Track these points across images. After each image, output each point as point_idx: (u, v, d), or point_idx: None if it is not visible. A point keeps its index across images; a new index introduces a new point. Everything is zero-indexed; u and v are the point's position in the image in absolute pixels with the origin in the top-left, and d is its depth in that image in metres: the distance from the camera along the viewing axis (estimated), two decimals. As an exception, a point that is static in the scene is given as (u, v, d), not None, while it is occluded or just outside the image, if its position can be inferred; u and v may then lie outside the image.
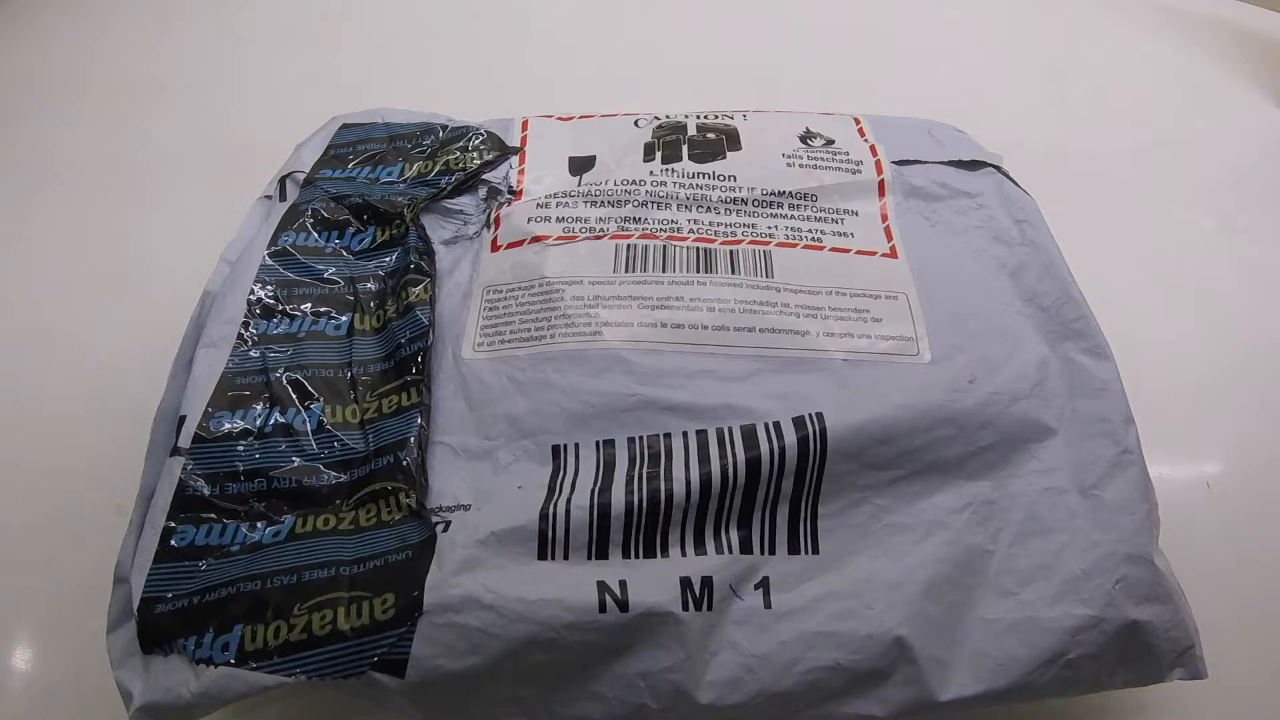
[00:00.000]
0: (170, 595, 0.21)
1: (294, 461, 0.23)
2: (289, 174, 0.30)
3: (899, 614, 0.21)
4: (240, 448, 0.23)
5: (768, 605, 0.21)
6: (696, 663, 0.20)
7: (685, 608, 0.21)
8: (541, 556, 0.21)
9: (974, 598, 0.22)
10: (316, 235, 0.29)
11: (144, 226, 0.38)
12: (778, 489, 0.22)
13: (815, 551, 0.22)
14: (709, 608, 0.21)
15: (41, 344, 0.33)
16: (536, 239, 0.28)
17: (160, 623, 0.20)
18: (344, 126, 0.33)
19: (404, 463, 0.23)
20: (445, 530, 0.21)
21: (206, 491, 0.22)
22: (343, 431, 0.24)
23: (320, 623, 0.20)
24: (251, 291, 0.27)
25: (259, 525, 0.22)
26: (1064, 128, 0.44)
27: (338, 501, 0.23)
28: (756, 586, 0.21)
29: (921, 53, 0.48)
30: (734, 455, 0.22)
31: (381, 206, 0.29)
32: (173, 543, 0.22)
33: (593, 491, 0.22)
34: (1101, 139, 0.43)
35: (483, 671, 0.20)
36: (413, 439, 0.23)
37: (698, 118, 0.33)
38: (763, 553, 0.22)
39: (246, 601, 0.20)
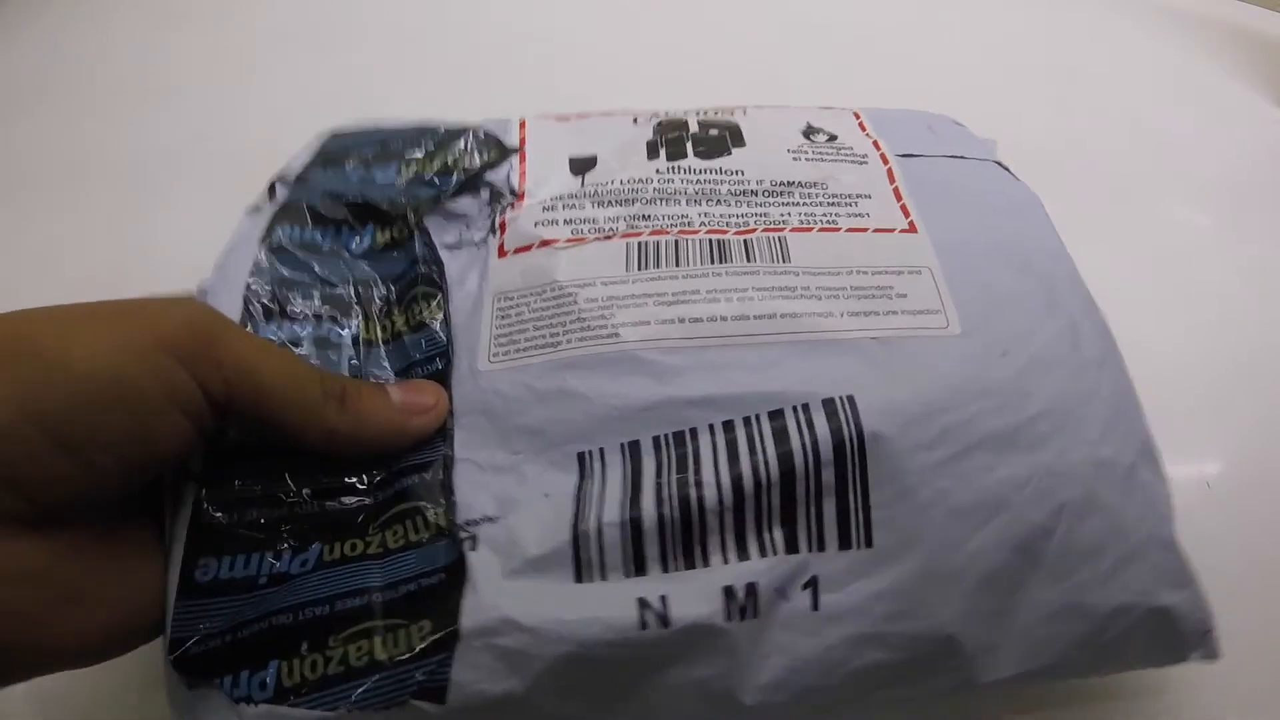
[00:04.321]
0: (202, 632, 0.20)
1: (318, 483, 0.22)
2: (278, 179, 0.30)
3: (953, 612, 0.21)
4: (251, 466, 0.22)
5: (815, 607, 0.21)
6: (743, 668, 0.20)
7: (729, 618, 0.20)
8: (579, 579, 0.21)
9: (1029, 582, 0.21)
10: (314, 232, 0.28)
11: (144, 227, 0.38)
12: (818, 481, 0.21)
13: (869, 544, 0.21)
14: (754, 614, 0.20)
15: None
16: (545, 243, 0.27)
17: (193, 662, 0.20)
18: (335, 135, 0.32)
19: (429, 481, 0.22)
20: (474, 549, 0.21)
21: (224, 520, 0.22)
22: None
23: (357, 654, 0.20)
24: (248, 287, 0.26)
25: (284, 554, 0.21)
26: (1064, 127, 0.44)
27: (363, 523, 0.22)
28: (805, 586, 0.21)
29: (921, 53, 0.48)
30: (764, 451, 0.21)
31: (383, 206, 0.28)
32: (196, 578, 0.21)
33: (622, 505, 0.21)
34: (1101, 139, 0.43)
35: (524, 693, 0.20)
36: (438, 459, 0.23)
37: (698, 115, 0.32)
38: (810, 549, 0.21)
39: (279, 636, 0.20)
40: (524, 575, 0.20)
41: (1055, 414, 0.22)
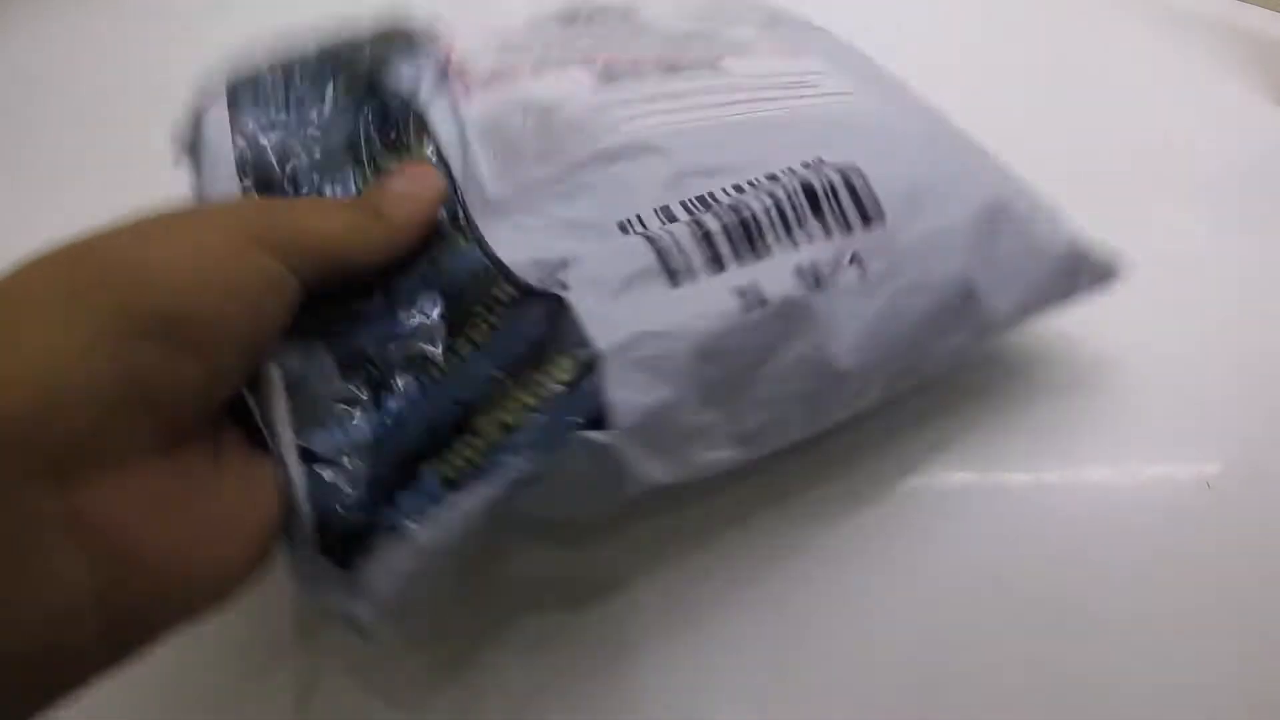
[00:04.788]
0: (340, 500, 0.19)
1: (379, 323, 0.22)
2: (201, 95, 0.28)
3: (962, 260, 0.26)
4: (313, 324, 0.21)
5: (865, 275, 0.24)
6: (829, 335, 0.24)
7: (808, 289, 0.23)
8: (675, 285, 0.22)
9: (1002, 233, 0.27)
10: (279, 106, 0.26)
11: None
12: (832, 186, 0.25)
13: (883, 217, 0.25)
14: (822, 286, 0.24)
15: None
16: (510, 75, 0.28)
17: (346, 533, 0.19)
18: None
19: (472, 269, 0.22)
20: (566, 289, 0.21)
21: (318, 388, 0.20)
22: (415, 286, 0.22)
23: (509, 415, 0.20)
24: (240, 183, 0.24)
25: (385, 401, 0.20)
26: (1064, 127, 0.44)
27: (442, 338, 0.22)
28: (850, 262, 0.24)
29: (921, 52, 0.48)
30: (784, 184, 0.25)
31: (342, 56, 0.28)
32: (314, 454, 0.19)
33: (688, 224, 0.23)
34: (1101, 139, 0.43)
35: (673, 399, 0.21)
36: (473, 251, 0.23)
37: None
38: (843, 232, 0.25)
39: (420, 449, 0.20)
40: (626, 293, 0.22)
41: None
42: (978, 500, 0.29)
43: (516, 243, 0.23)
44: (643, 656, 0.26)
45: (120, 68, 0.47)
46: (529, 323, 0.21)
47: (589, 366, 0.20)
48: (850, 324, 0.24)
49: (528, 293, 0.22)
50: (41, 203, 0.40)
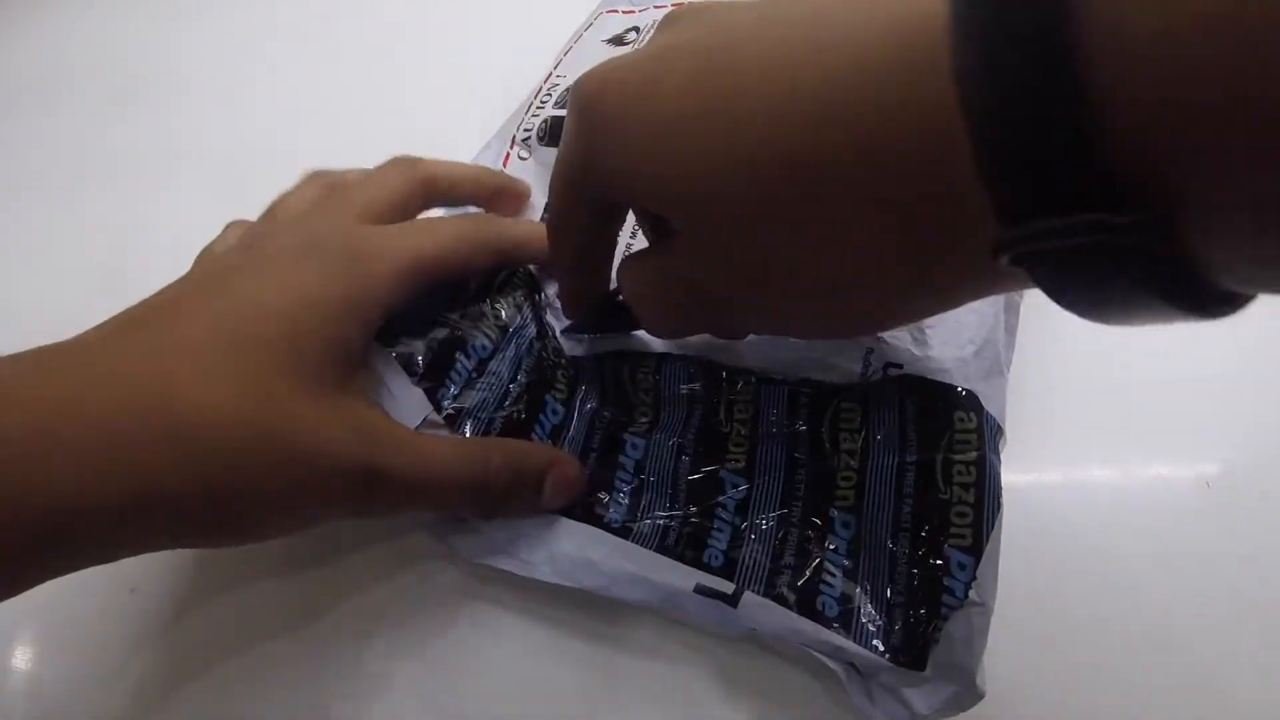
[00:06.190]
0: (875, 625, 0.23)
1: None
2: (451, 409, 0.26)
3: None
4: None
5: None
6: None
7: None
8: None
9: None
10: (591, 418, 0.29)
11: (144, 226, 0.38)
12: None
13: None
14: None
15: (41, 345, 0.33)
16: None
17: (910, 643, 0.23)
18: (398, 353, 0.26)
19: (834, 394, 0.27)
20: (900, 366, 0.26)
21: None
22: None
23: (959, 477, 0.24)
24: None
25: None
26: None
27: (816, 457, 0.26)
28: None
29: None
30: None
31: (552, 350, 0.29)
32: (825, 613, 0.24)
33: None
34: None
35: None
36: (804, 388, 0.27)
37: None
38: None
39: (891, 543, 0.24)
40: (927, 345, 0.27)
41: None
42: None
43: (775, 359, 0.28)
44: (648, 660, 0.26)
45: (117, 66, 0.47)
46: (893, 406, 0.26)
47: (978, 407, 0.25)
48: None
49: (878, 384, 0.26)
50: (41, 201, 0.40)
